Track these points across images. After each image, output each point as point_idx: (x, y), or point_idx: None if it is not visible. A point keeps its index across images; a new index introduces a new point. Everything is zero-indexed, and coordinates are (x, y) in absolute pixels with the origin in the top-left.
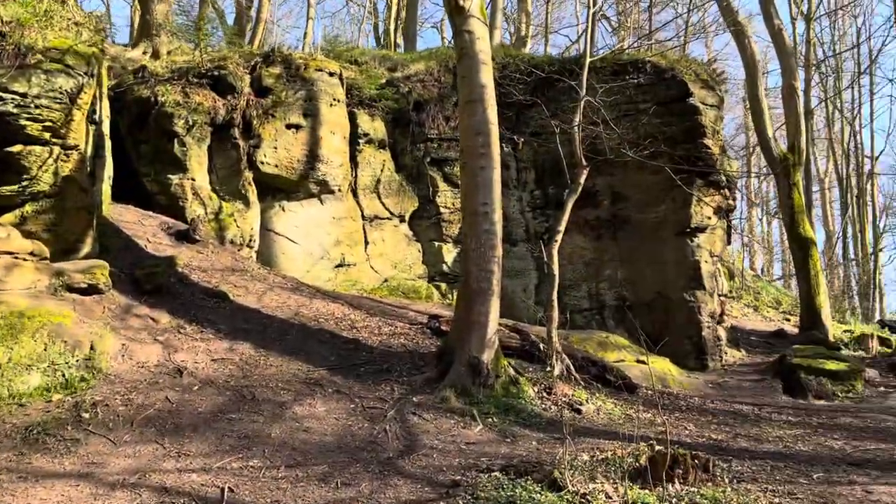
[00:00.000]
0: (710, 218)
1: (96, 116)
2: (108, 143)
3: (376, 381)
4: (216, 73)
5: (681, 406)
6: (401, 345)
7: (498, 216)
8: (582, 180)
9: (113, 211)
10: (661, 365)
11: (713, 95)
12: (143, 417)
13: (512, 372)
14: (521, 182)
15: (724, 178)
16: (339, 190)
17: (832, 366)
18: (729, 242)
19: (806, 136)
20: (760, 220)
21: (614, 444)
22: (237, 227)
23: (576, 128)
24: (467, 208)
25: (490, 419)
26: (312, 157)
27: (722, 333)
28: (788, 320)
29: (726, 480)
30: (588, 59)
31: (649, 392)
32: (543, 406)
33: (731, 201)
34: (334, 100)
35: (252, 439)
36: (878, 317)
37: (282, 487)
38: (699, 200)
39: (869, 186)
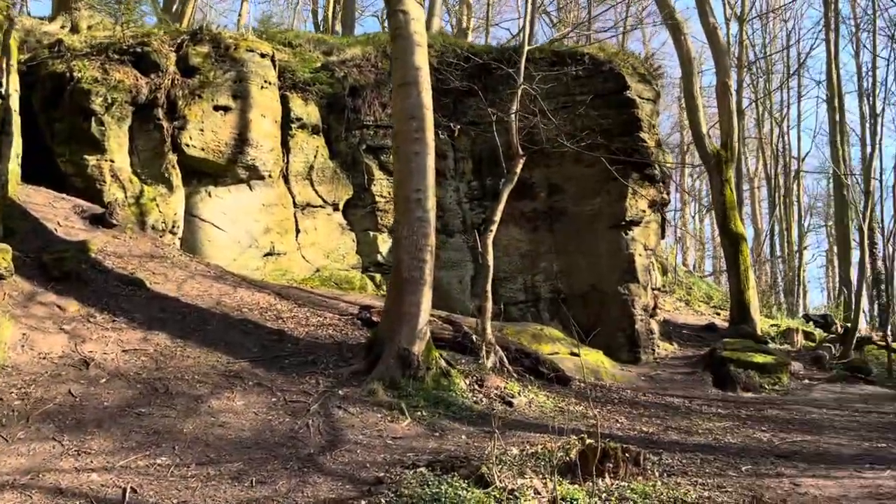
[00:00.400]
0: (644, 211)
1: (2, 90)
2: (17, 119)
3: (301, 374)
4: (139, 49)
5: (613, 399)
6: (329, 336)
7: (432, 203)
8: (518, 170)
9: (21, 192)
10: (595, 357)
11: (650, 89)
12: (42, 412)
13: (443, 364)
14: (459, 172)
15: (659, 171)
16: (270, 176)
17: (760, 359)
18: (663, 236)
19: (738, 134)
20: (693, 217)
21: (545, 437)
22: (159, 212)
23: (513, 116)
24: (400, 195)
25: (419, 413)
26: (242, 140)
27: (655, 327)
28: (719, 314)
29: (657, 474)
30: (527, 47)
31: (582, 384)
32: (475, 399)
33: (665, 195)
34: (266, 82)
35: (162, 435)
36: (801, 311)
37: (191, 486)
38: (634, 193)
39: (795, 186)
